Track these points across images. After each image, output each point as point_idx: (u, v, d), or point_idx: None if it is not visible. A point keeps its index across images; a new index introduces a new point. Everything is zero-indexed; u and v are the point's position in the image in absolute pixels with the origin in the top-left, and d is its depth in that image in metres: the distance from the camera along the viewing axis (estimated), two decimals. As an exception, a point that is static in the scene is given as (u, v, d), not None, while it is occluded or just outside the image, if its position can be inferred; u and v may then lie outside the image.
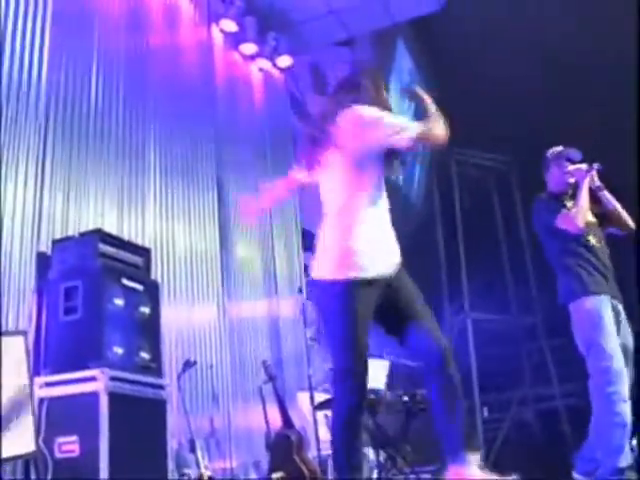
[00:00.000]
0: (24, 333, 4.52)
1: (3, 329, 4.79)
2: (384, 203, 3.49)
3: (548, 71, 9.11)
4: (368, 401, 6.37)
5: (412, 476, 6.66)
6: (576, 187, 4.66)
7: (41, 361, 5.02)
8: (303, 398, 7.47)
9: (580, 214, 4.52)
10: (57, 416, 4.77)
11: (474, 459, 2.94)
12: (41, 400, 4.81)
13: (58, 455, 4.67)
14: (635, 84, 8.19)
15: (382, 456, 6.77)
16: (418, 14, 9.30)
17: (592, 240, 4.65)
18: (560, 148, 4.84)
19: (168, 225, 7.04)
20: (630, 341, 4.52)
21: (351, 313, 3.10)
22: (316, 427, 7.01)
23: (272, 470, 6.23)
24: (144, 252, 5.83)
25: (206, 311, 7.30)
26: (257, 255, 8.51)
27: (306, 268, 9.32)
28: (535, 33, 8.94)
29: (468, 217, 9.16)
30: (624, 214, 4.77)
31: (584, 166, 4.69)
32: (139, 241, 6.31)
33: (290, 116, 9.67)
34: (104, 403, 4.71)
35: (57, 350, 5.02)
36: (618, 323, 4.48)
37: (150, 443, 5.14)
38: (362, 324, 3.13)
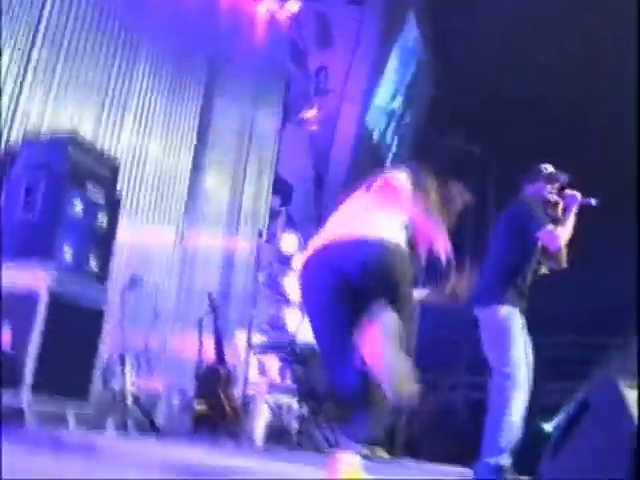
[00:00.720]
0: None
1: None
2: None
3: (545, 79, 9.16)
4: (303, 353, 6.56)
5: (330, 434, 6.79)
6: (553, 207, 4.77)
7: (-10, 251, 5.04)
8: (241, 337, 7.59)
9: (564, 237, 4.61)
10: (-3, 308, 4.82)
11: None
12: (-19, 289, 4.84)
13: (-12, 344, 4.72)
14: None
15: (305, 409, 6.93)
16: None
17: (543, 268, 4.84)
18: (550, 168, 4.89)
19: (143, 142, 7.05)
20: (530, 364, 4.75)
21: None
22: (247, 367, 7.15)
23: (196, 400, 6.36)
24: (114, 165, 5.84)
25: (164, 233, 7.35)
26: (226, 188, 8.54)
27: (271, 211, 9.38)
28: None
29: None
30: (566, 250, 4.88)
31: (579, 195, 4.74)
32: (111, 151, 6.31)
33: (287, 62, 9.63)
34: (43, 301, 4.77)
35: (8, 242, 5.01)
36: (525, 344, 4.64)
37: (81, 350, 5.21)
38: None
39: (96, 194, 5.43)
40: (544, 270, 4.90)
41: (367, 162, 10.64)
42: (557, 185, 4.82)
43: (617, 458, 1.47)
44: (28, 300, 4.77)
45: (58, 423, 4.85)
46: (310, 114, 9.31)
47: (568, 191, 4.79)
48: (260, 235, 8.17)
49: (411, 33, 11.21)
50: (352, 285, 3.09)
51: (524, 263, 4.74)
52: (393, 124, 11.54)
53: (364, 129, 10.81)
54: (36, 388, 4.65)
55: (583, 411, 1.69)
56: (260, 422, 7.04)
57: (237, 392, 6.84)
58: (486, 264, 4.95)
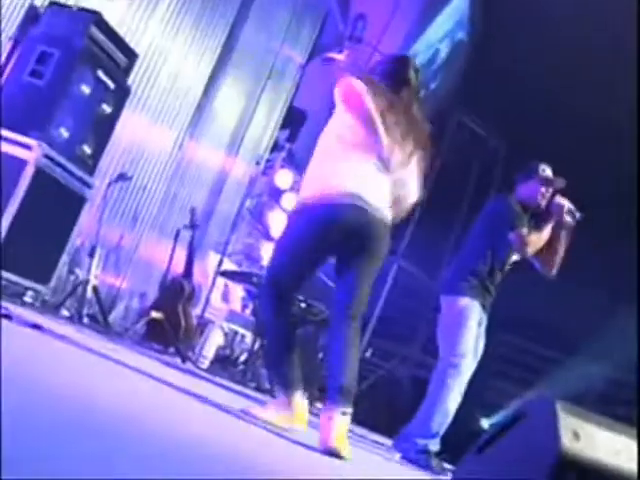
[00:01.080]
0: (-18, 74, 4.43)
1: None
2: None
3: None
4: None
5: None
6: (538, 208, 4.73)
7: (-14, 108, 4.92)
8: (213, 258, 7.56)
9: (535, 245, 4.58)
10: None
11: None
12: (-30, 143, 4.74)
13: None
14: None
15: (257, 345, 6.93)
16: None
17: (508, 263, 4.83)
18: (549, 170, 4.82)
19: (167, 42, 6.89)
20: (476, 357, 4.76)
21: None
22: (211, 290, 7.13)
23: (154, 308, 6.33)
24: (132, 55, 5.72)
25: (164, 138, 7.23)
26: (236, 110, 8.41)
27: (276, 144, 9.26)
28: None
29: (443, 174, 9.13)
30: (558, 260, 4.83)
31: (567, 206, 4.68)
32: (133, 44, 6.16)
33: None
34: (28, 173, 4.70)
35: (7, 105, 4.89)
36: (477, 337, 4.68)
37: (54, 230, 5.17)
38: None
39: (107, 79, 5.32)
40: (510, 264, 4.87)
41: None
42: (550, 189, 4.75)
43: (535, 472, 1.52)
44: (13, 168, 4.69)
45: (14, 298, 4.81)
46: (339, 57, 9.13)
47: (558, 198, 4.74)
48: (257, 164, 8.07)
49: (460, 4, 10.97)
50: (333, 242, 3.27)
51: (492, 260, 4.72)
52: (425, 79, 11.37)
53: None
54: (0, 260, 4.59)
55: (517, 419, 1.71)
56: (211, 346, 7.06)
57: (196, 311, 6.83)
58: (459, 254, 4.97)
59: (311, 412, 3.46)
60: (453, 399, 4.48)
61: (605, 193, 8.39)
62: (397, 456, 4.58)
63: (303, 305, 6.60)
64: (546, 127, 9.18)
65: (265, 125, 9.03)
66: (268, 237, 8.59)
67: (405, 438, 4.57)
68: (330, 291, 7.39)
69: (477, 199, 9.70)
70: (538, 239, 4.60)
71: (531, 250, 4.61)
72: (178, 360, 5.80)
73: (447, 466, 4.61)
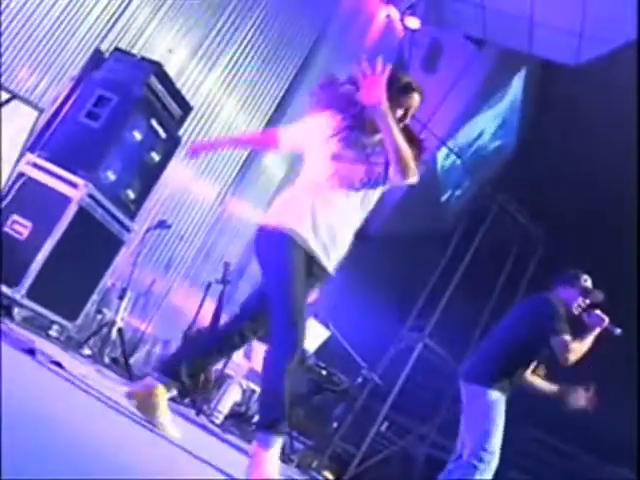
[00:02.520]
0: (41, 110, 4.57)
1: (37, 97, 4.83)
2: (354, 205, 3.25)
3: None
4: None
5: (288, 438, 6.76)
6: (575, 319, 4.70)
7: (41, 143, 5.06)
8: (240, 315, 7.55)
9: (577, 354, 4.48)
10: (26, 197, 4.84)
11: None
12: (21, 175, 4.87)
13: (6, 229, 4.75)
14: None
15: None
16: (553, 57, 9.15)
17: (541, 372, 4.78)
18: (590, 282, 4.78)
19: (224, 94, 7.05)
20: None
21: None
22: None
23: (175, 357, 6.33)
24: (187, 107, 5.85)
25: (208, 190, 7.34)
26: (282, 170, 8.51)
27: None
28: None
29: (480, 256, 9.12)
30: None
31: (607, 320, 4.63)
32: (190, 94, 6.32)
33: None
34: (71, 211, 4.80)
35: (60, 143, 5.05)
36: None
37: (88, 269, 5.24)
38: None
39: (159, 128, 5.44)
40: (540, 372, 4.82)
41: (422, 195, 10.58)
42: (588, 301, 4.68)
43: None
44: (58, 203, 4.80)
45: (39, 331, 4.86)
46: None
47: (598, 312, 4.63)
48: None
49: (515, 90, 11.11)
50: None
51: (527, 358, 4.65)
52: (460, 171, 11.45)
53: (432, 166, 10.73)
54: (32, 291, 4.66)
55: None
56: (227, 401, 7.01)
57: (217, 365, 6.80)
58: (487, 342, 4.87)
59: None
60: None
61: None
62: None
63: (324, 372, 6.57)
64: (585, 226, 9.19)
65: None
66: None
67: None
68: (353, 363, 7.36)
69: (509, 287, 9.65)
70: (580, 348, 4.49)
71: (573, 358, 4.48)
72: (192, 412, 5.77)
73: None
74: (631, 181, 8.78)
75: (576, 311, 4.66)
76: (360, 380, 7.37)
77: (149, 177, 5.59)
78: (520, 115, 11.38)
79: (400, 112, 3.25)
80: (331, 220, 3.14)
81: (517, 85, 11.22)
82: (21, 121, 4.38)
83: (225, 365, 6.91)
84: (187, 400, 6.13)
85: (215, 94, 6.95)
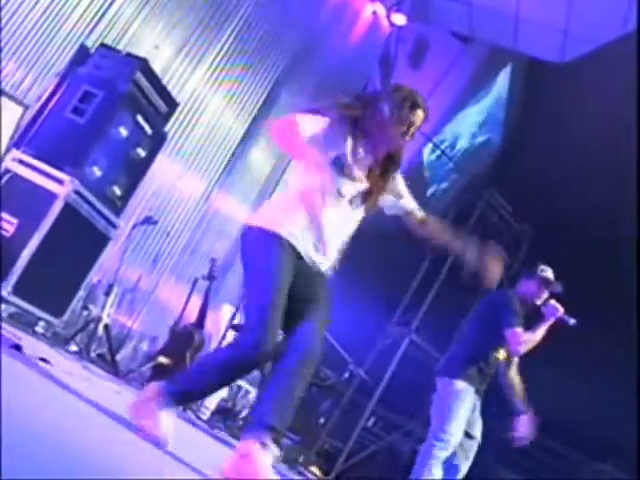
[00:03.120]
0: (26, 106, 4.56)
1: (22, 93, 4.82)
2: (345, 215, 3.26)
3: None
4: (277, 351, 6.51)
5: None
6: (533, 307, 4.89)
7: (27, 139, 5.04)
8: (227, 311, 7.56)
9: (528, 345, 4.74)
10: (11, 193, 4.80)
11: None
12: (6, 171, 4.85)
13: (-8, 226, 4.73)
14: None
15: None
16: (538, 55, 9.20)
17: (501, 356, 4.96)
18: (550, 273, 4.95)
19: (210, 92, 7.06)
20: (475, 440, 4.90)
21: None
22: (221, 342, 7.12)
23: (162, 353, 6.34)
24: (172, 103, 5.84)
25: (193, 186, 7.34)
26: (268, 167, 8.52)
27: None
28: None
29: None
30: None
31: (561, 310, 4.80)
32: (175, 91, 6.31)
33: (372, 70, 9.60)
34: (57, 207, 4.79)
35: (45, 139, 5.03)
36: (472, 422, 4.84)
37: (75, 265, 5.24)
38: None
39: (145, 124, 5.44)
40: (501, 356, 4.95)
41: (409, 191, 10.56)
42: (547, 291, 4.87)
43: None
44: (44, 200, 4.79)
45: (26, 327, 4.86)
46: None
47: (553, 302, 4.84)
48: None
49: (501, 86, 11.15)
50: None
51: (489, 350, 4.86)
52: (446, 166, 11.49)
53: (417, 160, 10.76)
54: (18, 288, 4.66)
55: None
56: (213, 397, 7.02)
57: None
58: (459, 338, 5.12)
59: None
60: (437, 473, 4.65)
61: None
62: None
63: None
64: (571, 219, 9.23)
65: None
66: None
67: None
68: (340, 358, 7.37)
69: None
70: (531, 339, 4.73)
71: (523, 349, 4.74)
72: (179, 408, 5.77)
73: None
74: (621, 174, 8.84)
75: (537, 302, 4.84)
76: (347, 375, 7.41)
77: (135, 173, 5.58)
78: (506, 111, 11.42)
79: (403, 128, 3.26)
80: (321, 227, 3.13)
81: (503, 81, 11.27)
82: (6, 117, 4.36)
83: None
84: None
85: (201, 91, 6.96)
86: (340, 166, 3.18)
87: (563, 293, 4.90)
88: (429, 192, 11.62)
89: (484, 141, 11.79)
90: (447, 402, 4.76)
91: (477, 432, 4.88)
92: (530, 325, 4.78)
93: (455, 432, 4.70)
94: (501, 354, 4.92)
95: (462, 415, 4.73)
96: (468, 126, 11.60)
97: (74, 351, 5.32)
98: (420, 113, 3.30)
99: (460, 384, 4.76)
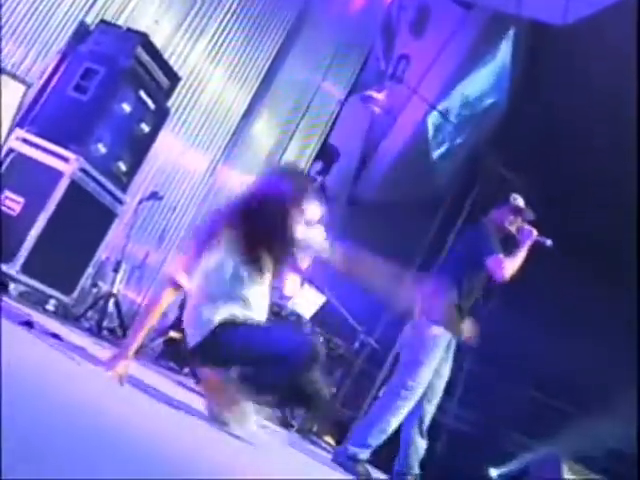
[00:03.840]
0: (28, 85, 4.55)
1: (23, 72, 4.80)
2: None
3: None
4: (288, 320, 6.54)
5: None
6: (508, 234, 4.92)
7: (30, 117, 5.04)
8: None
9: (512, 269, 4.74)
10: (17, 173, 4.83)
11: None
12: (10, 150, 4.86)
13: (-2, 205, 4.74)
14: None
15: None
16: (541, 18, 9.12)
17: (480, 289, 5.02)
18: (521, 200, 4.98)
19: (209, 68, 7.02)
20: (443, 379, 4.90)
21: None
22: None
23: (173, 327, 6.37)
24: (174, 78, 5.83)
25: (198, 160, 7.33)
26: (272, 139, 8.50)
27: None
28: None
29: (471, 222, 9.17)
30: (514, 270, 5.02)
31: (535, 232, 4.84)
32: (177, 66, 6.29)
33: (374, 39, 9.54)
34: (63, 185, 4.79)
35: (49, 117, 5.04)
36: (442, 360, 4.82)
37: (83, 243, 5.25)
38: None
39: (147, 99, 5.43)
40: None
41: (413, 161, 10.56)
42: (519, 219, 4.91)
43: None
44: (49, 178, 4.80)
45: (36, 306, 4.89)
46: (378, 96, 9.20)
47: (526, 226, 4.87)
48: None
49: (504, 51, 11.06)
50: None
51: (470, 286, 4.86)
52: (451, 134, 11.43)
53: (422, 128, 10.71)
54: (27, 266, 4.68)
55: (523, 475, 1.70)
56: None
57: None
58: (436, 279, 5.05)
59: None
60: (395, 422, 4.66)
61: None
62: None
63: (321, 338, 6.60)
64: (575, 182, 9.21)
65: (298, 157, 9.10)
66: (295, 269, 8.59)
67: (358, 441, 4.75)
68: (350, 328, 7.40)
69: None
70: (513, 264, 4.73)
71: (507, 274, 4.72)
72: (192, 382, 5.81)
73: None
74: (622, 137, 8.79)
75: (511, 228, 4.88)
76: (357, 345, 7.43)
77: (140, 149, 5.58)
78: (510, 76, 11.34)
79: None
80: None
81: (506, 46, 11.17)
82: (8, 96, 4.35)
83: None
84: (186, 370, 6.18)
85: (202, 65, 6.92)
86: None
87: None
88: (435, 156, 11.56)
89: (488, 107, 11.72)
90: (422, 347, 4.70)
91: (446, 370, 4.86)
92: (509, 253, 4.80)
93: (422, 383, 4.67)
94: (479, 290, 4.93)
95: (433, 365, 4.70)
96: (473, 92, 11.52)
97: (85, 328, 5.35)
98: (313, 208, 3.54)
99: (438, 330, 4.72)
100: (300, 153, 9.11)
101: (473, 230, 4.99)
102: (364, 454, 4.68)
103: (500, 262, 4.69)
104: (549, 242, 4.85)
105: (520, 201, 4.97)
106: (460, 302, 4.80)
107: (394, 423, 4.68)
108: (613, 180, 8.79)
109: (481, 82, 11.52)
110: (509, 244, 4.86)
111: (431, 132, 11.04)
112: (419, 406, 4.76)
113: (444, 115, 10.43)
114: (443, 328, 4.72)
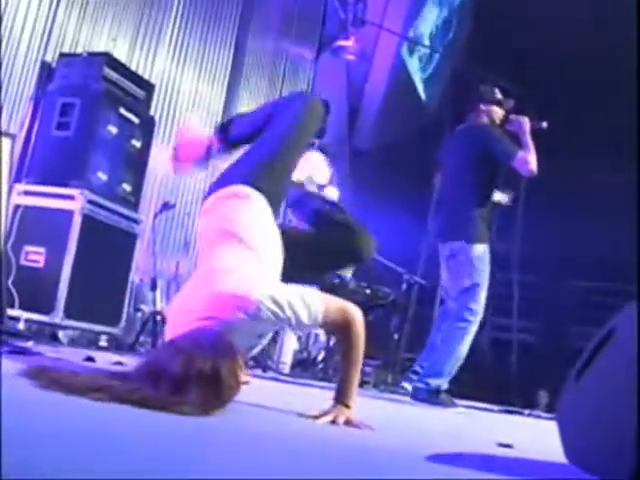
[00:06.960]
0: (13, 137, 4.53)
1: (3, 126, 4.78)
2: None
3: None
4: (331, 284, 6.54)
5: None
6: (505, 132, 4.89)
7: (24, 169, 5.05)
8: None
9: (535, 161, 4.64)
10: (30, 226, 4.85)
11: None
12: (17, 207, 4.87)
13: (23, 262, 4.77)
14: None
15: (332, 340, 6.95)
16: None
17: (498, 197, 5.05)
18: (498, 93, 4.93)
19: (177, 69, 6.98)
20: None
21: None
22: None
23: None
24: (148, 86, 5.79)
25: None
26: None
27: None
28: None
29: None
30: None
31: (527, 119, 4.77)
32: (146, 76, 6.25)
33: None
34: (77, 223, 4.80)
35: (42, 162, 5.05)
36: None
37: (113, 272, 5.26)
38: None
39: (130, 115, 5.40)
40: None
41: (400, 96, 10.47)
42: (503, 110, 4.94)
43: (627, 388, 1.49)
44: (62, 220, 4.80)
45: (91, 346, 4.92)
46: (347, 43, 9.12)
47: (513, 116, 4.86)
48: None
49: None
50: None
51: (491, 193, 4.89)
52: (427, 58, 11.32)
53: (399, 61, 10.61)
54: (69, 311, 4.70)
55: (608, 338, 1.68)
56: (287, 351, 7.10)
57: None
58: (451, 195, 4.97)
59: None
60: (466, 343, 4.69)
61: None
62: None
63: (368, 291, 6.61)
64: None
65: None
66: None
67: (419, 380, 4.77)
68: (391, 274, 7.40)
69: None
70: (532, 155, 4.66)
71: (534, 167, 4.64)
72: (259, 371, 5.85)
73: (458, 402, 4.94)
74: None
75: (499, 122, 4.86)
76: (405, 287, 7.43)
77: (138, 165, 5.56)
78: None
79: None
80: None
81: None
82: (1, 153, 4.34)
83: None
84: (249, 362, 6.21)
85: (170, 70, 6.87)
86: None
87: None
88: (420, 89, 11.49)
89: (457, 26, 11.61)
90: (476, 270, 4.67)
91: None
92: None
93: (483, 302, 4.69)
94: (498, 195, 4.95)
95: (487, 278, 4.71)
96: (438, 14, 11.41)
97: (143, 352, 5.37)
98: None
99: (481, 247, 4.71)
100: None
101: (475, 134, 4.92)
102: (445, 384, 4.70)
103: (525, 159, 4.63)
104: (544, 124, 4.80)
105: (497, 91, 4.93)
106: (486, 212, 4.84)
107: (466, 348, 4.71)
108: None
109: (445, 2, 11.39)
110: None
111: (409, 61, 10.96)
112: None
113: (417, 41, 10.32)
114: (482, 244, 4.73)
